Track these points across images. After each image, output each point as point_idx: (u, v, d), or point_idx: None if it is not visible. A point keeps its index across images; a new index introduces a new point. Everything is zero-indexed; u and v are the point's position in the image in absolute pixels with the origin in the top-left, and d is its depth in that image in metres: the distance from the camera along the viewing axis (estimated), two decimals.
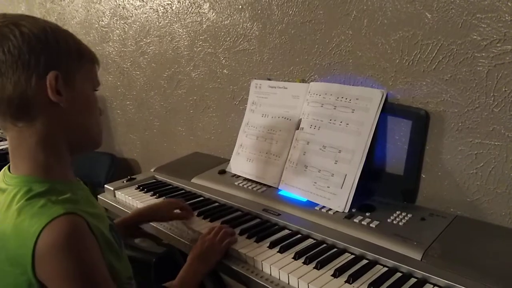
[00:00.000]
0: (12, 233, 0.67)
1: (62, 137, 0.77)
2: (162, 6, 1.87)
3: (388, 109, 1.13)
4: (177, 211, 1.18)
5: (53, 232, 0.64)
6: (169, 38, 1.89)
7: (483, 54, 0.98)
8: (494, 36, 0.96)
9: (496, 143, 1.01)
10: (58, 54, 0.73)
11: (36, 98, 0.72)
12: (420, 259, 0.87)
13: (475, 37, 0.99)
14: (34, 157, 0.74)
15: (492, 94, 0.99)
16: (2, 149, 2.62)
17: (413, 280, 0.83)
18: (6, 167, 0.79)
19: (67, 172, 0.79)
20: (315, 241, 1.01)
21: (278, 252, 0.96)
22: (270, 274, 0.90)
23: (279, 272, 0.88)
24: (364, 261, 0.91)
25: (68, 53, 0.75)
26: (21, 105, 0.71)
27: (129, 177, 1.52)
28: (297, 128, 1.27)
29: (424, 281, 0.82)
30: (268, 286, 0.87)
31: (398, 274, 0.86)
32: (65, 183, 0.76)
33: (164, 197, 1.34)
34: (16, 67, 0.69)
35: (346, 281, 0.84)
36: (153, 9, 1.93)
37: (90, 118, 0.82)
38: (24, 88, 0.70)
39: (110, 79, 2.34)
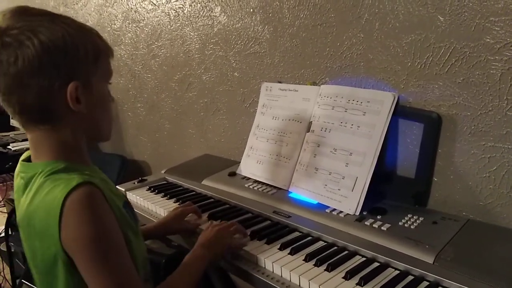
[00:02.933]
0: (38, 208, 0.72)
1: (82, 135, 0.81)
2: (174, 10, 1.89)
3: (400, 112, 1.13)
4: (187, 218, 1.18)
5: (75, 198, 0.68)
6: (180, 41, 1.91)
7: (497, 57, 0.98)
8: (508, 39, 0.96)
9: (509, 147, 1.00)
10: (78, 62, 0.74)
11: (57, 105, 0.74)
12: (432, 262, 0.86)
13: (488, 40, 0.98)
14: (56, 153, 0.78)
15: (505, 97, 0.98)
16: (15, 150, 2.66)
17: (425, 284, 0.83)
18: (21, 161, 0.83)
19: (86, 159, 0.83)
20: (326, 243, 1.01)
21: (289, 254, 0.96)
22: (281, 276, 0.90)
23: (290, 273, 0.88)
24: (376, 264, 0.91)
25: (86, 58, 0.75)
26: (43, 112, 0.74)
27: (140, 178, 1.54)
28: (308, 131, 1.28)
29: (436, 284, 0.82)
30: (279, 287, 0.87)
31: (410, 277, 0.85)
32: (83, 166, 0.80)
33: (175, 199, 1.35)
34: (37, 77, 0.70)
35: (357, 284, 0.83)
36: (165, 13, 1.95)
37: (105, 114, 0.85)
38: (46, 97, 0.72)
39: (121, 81, 2.37)
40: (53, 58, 0.70)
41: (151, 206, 1.32)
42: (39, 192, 0.72)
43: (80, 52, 0.74)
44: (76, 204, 0.68)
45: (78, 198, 0.68)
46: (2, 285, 2.17)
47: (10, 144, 2.77)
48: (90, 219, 0.69)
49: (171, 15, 1.92)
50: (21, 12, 0.71)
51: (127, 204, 0.85)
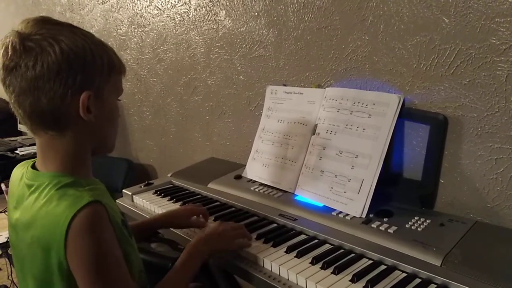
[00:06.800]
0: (44, 219, 0.73)
1: (88, 145, 0.82)
2: (179, 14, 1.91)
3: (406, 114, 1.12)
4: (195, 217, 1.18)
5: (82, 218, 0.70)
6: (185, 46, 1.92)
7: (502, 58, 0.98)
8: None
9: None
10: (93, 72, 0.76)
11: (68, 112, 0.76)
12: (440, 265, 0.86)
13: (494, 41, 0.98)
14: (63, 160, 0.79)
15: None
16: (23, 155, 2.69)
17: (433, 286, 0.82)
18: (29, 166, 0.84)
19: (89, 172, 0.85)
20: (332, 246, 1.01)
21: (295, 257, 0.96)
22: (288, 279, 0.90)
23: (296, 277, 0.88)
24: (383, 267, 0.90)
25: (101, 69, 0.78)
26: (53, 118, 0.75)
27: (146, 182, 1.54)
28: (313, 134, 1.28)
29: (444, 287, 0.81)
30: None
31: (418, 280, 0.85)
32: (87, 180, 0.82)
33: (181, 202, 1.35)
34: (53, 83, 0.72)
35: (364, 287, 0.83)
36: (170, 17, 1.96)
37: (112, 127, 0.87)
38: (58, 103, 0.74)
39: (127, 86, 2.39)
40: (72, 67, 0.73)
41: (158, 209, 1.32)
42: (47, 204, 0.73)
43: (97, 63, 0.76)
44: (83, 223, 0.70)
45: (85, 218, 0.70)
46: None
47: (18, 148, 2.79)
48: (94, 240, 0.71)
49: (176, 19, 1.93)
50: (44, 21, 0.74)
51: (124, 221, 0.88)
